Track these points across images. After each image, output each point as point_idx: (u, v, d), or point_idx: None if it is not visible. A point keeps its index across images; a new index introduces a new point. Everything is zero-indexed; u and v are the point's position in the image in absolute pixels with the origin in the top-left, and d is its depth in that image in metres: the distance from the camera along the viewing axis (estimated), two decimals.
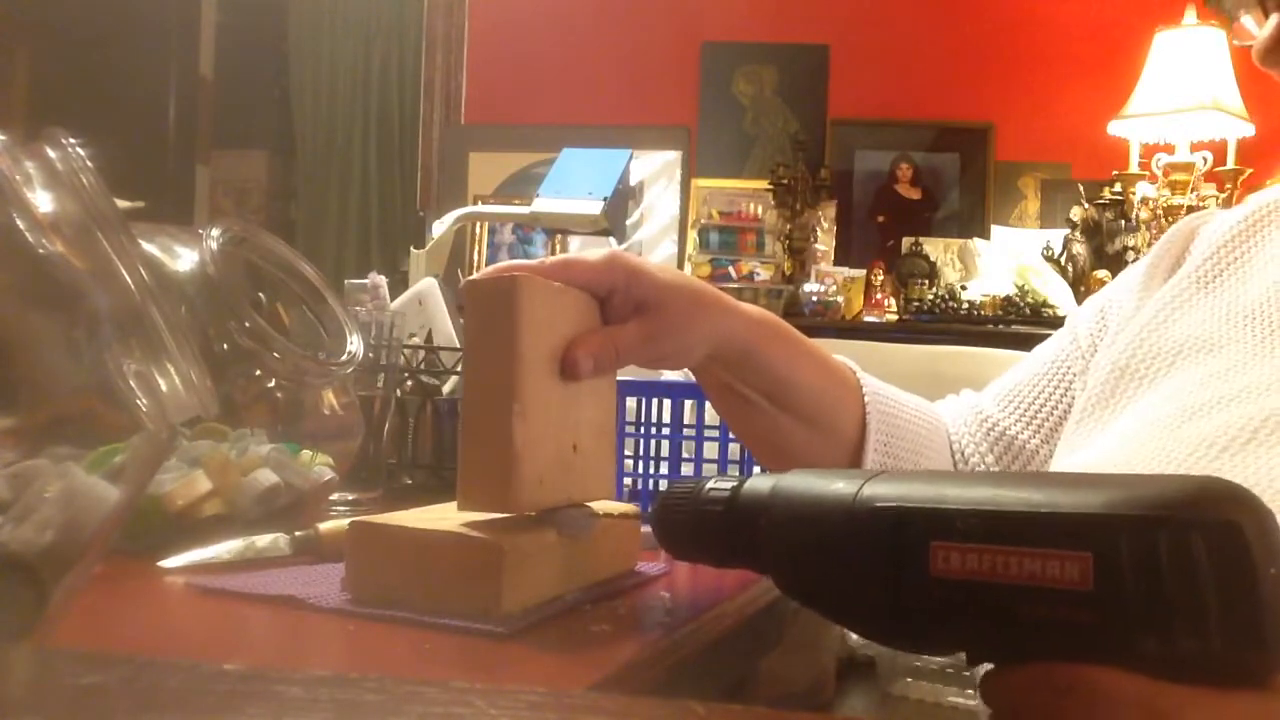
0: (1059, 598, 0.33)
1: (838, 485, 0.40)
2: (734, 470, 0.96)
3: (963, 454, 0.83)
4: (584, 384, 0.63)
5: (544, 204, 1.30)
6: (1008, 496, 0.35)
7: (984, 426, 0.83)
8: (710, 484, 0.48)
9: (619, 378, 1.01)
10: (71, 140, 0.39)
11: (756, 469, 0.91)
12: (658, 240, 3.53)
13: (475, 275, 0.61)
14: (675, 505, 0.50)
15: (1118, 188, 2.97)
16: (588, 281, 0.64)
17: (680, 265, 3.41)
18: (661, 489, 0.53)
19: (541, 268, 0.63)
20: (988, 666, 0.37)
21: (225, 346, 0.77)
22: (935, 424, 0.84)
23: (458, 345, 1.22)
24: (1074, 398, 0.76)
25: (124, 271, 0.37)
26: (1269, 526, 0.33)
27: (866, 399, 0.78)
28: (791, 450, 0.75)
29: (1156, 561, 0.32)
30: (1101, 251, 3.01)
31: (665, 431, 1.00)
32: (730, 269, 3.28)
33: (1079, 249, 3.01)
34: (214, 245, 0.79)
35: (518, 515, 0.59)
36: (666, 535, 0.51)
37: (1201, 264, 0.69)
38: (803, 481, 0.42)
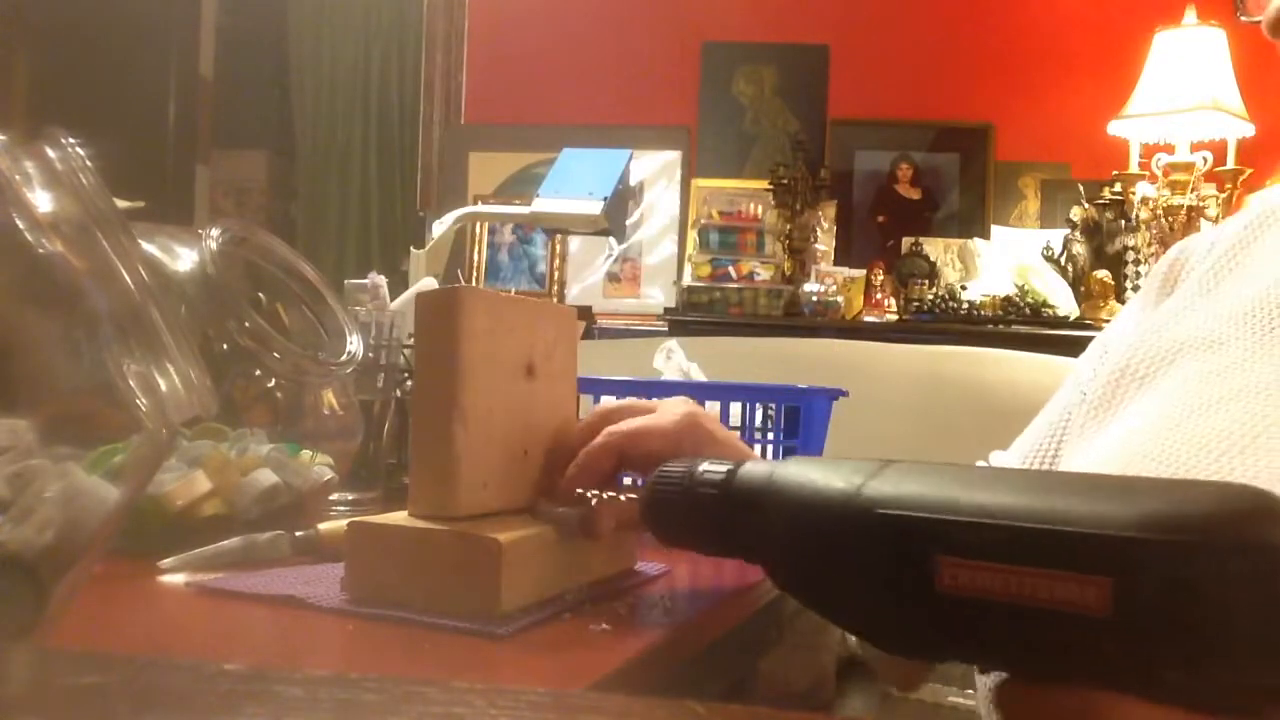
0: (1076, 622, 0.31)
1: (838, 482, 0.37)
2: None
3: None
4: (538, 390, 0.65)
5: (544, 204, 1.30)
6: (1022, 506, 0.33)
7: None
8: (704, 466, 0.46)
9: (619, 378, 1.01)
10: (71, 140, 0.39)
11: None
12: (658, 240, 3.53)
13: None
14: (667, 488, 0.48)
15: (1118, 188, 2.97)
16: (660, 450, 0.62)
17: (680, 265, 3.42)
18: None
19: (610, 442, 0.63)
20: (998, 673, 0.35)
21: (225, 346, 0.77)
22: None
23: None
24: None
25: (124, 271, 0.37)
26: None
27: None
28: None
29: (1185, 589, 0.29)
30: (1101, 251, 3.01)
31: None
32: (730, 269, 3.28)
33: (1079, 249, 3.01)
34: (214, 245, 0.79)
35: (518, 514, 0.60)
36: (656, 518, 0.49)
37: (1204, 275, 0.69)
38: (802, 472, 0.39)
